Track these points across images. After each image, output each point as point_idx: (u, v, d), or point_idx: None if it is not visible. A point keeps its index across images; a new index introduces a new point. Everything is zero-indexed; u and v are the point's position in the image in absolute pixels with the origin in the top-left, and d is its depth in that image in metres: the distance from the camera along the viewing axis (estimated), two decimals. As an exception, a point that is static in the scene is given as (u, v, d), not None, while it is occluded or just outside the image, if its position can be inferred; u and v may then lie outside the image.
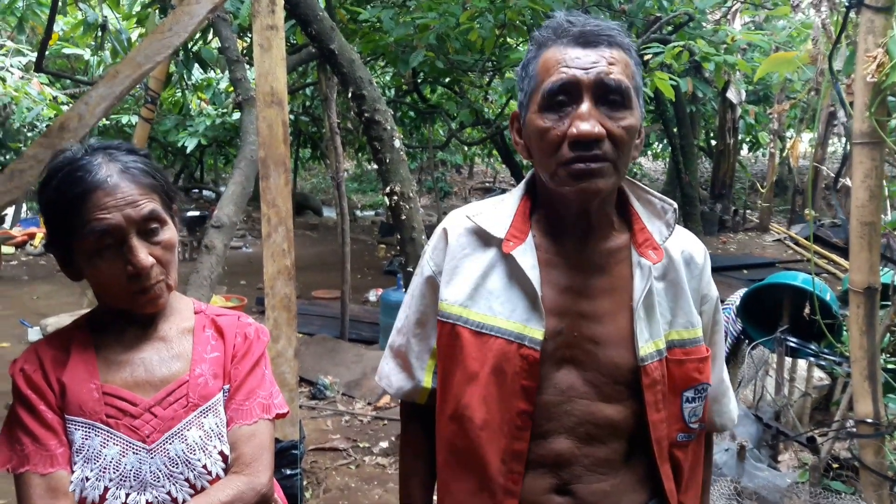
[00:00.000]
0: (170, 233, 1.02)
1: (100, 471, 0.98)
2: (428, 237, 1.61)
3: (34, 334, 5.04)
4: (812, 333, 2.89)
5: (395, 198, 3.29)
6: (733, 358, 3.40)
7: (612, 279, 0.99)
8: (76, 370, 1.01)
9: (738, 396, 3.12)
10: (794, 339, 2.88)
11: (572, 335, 0.97)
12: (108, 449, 0.99)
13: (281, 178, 1.96)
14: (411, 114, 9.76)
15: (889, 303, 2.25)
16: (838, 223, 8.70)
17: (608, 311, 0.97)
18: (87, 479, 0.98)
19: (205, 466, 1.02)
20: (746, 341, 3.30)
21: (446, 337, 1.02)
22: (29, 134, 8.87)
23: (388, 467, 3.36)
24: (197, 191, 15.21)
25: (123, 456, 0.99)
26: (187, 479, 1.02)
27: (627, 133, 0.91)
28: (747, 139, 12.72)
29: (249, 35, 5.21)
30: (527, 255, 0.98)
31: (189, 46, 4.72)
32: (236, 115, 8.44)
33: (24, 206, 10.05)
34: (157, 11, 4.80)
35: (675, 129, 10.41)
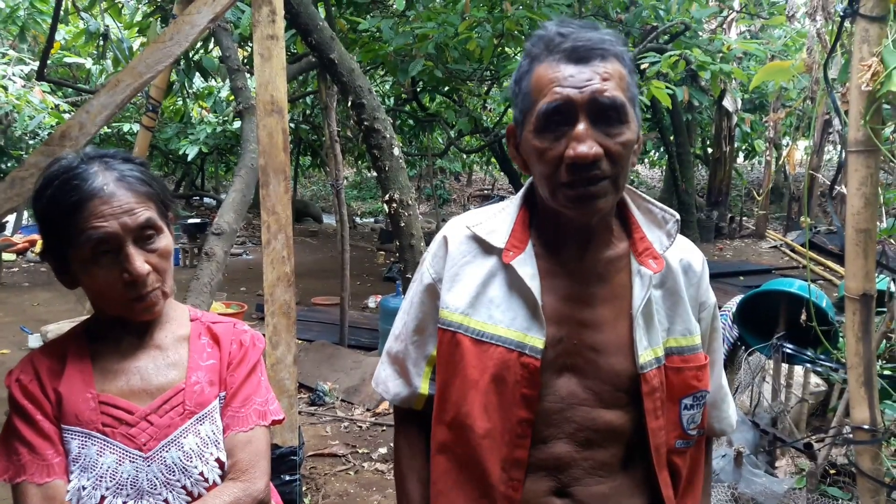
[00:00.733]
0: (166, 241, 1.02)
1: (96, 480, 0.99)
2: (427, 244, 1.62)
3: (34, 341, 5.03)
4: (808, 340, 2.90)
5: (395, 205, 3.31)
6: (730, 364, 3.41)
7: (611, 287, 0.99)
8: (72, 379, 1.01)
9: (735, 402, 3.12)
10: (790, 346, 2.88)
11: (572, 343, 0.97)
12: (105, 458, 0.99)
13: (281, 186, 1.97)
14: (410, 122, 9.80)
15: (885, 309, 2.26)
16: (834, 230, 8.72)
17: (608, 320, 0.98)
18: (84, 488, 0.98)
19: (201, 474, 1.03)
20: (743, 347, 3.30)
21: (446, 345, 1.02)
22: (31, 142, 8.90)
23: (387, 473, 3.36)
24: (198, 198, 15.24)
25: (120, 464, 0.99)
26: (184, 487, 1.02)
27: (625, 148, 0.91)
28: (743, 147, 12.77)
29: (250, 44, 5.25)
30: (527, 265, 0.98)
31: (190, 55, 4.75)
32: (237, 124, 8.46)
33: (26, 214, 10.06)
34: (158, 21, 4.83)
35: (671, 138, 10.45)
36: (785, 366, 3.09)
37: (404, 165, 3.41)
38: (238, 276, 7.95)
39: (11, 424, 1.00)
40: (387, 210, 3.38)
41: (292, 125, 9.73)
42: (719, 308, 1.13)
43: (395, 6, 5.17)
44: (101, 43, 5.28)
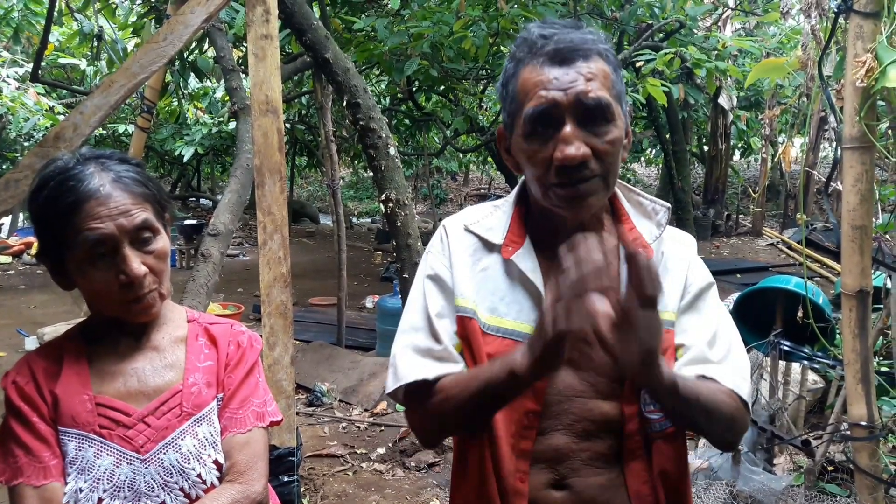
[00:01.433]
0: (162, 242, 1.02)
1: (93, 482, 0.98)
2: (424, 244, 1.61)
3: (31, 344, 5.02)
4: (805, 337, 2.91)
5: (391, 205, 3.30)
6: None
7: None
8: (69, 381, 1.01)
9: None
10: (787, 343, 2.89)
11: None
12: (102, 460, 0.99)
13: (276, 186, 1.96)
14: (406, 121, 9.78)
15: (881, 306, 2.26)
16: (830, 227, 8.74)
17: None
18: (81, 490, 0.98)
19: (199, 475, 1.03)
20: (741, 345, 3.31)
21: (462, 331, 1.02)
22: (25, 144, 8.87)
23: (385, 473, 3.36)
24: (194, 199, 15.22)
25: (117, 466, 0.99)
26: (182, 489, 1.02)
27: (613, 146, 0.92)
28: (739, 144, 12.81)
29: (244, 44, 5.23)
30: (527, 259, 1.00)
31: (185, 56, 4.73)
32: (232, 124, 8.45)
33: (21, 216, 10.04)
34: (152, 21, 4.81)
35: (667, 135, 10.46)
36: (782, 363, 3.10)
37: (400, 165, 3.41)
38: (235, 277, 7.93)
39: (8, 427, 0.99)
40: (383, 210, 3.37)
41: (288, 125, 9.71)
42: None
43: (389, 5, 5.16)
44: (96, 44, 5.26)
